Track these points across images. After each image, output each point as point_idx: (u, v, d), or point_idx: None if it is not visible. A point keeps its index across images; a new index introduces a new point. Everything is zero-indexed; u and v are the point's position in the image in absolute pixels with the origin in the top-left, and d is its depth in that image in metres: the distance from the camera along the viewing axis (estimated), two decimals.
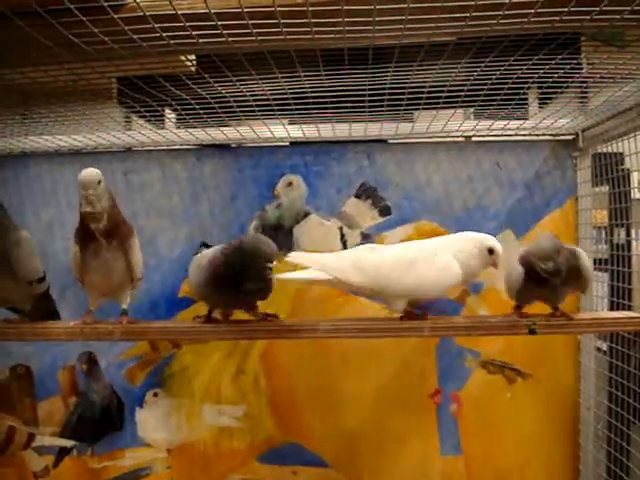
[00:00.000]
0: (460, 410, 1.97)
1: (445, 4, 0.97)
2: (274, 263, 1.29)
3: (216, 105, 1.58)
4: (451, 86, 1.47)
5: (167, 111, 1.75)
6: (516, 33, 1.12)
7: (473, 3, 0.96)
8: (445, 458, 1.97)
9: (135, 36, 1.06)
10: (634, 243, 1.78)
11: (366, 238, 1.97)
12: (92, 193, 1.30)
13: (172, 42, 1.09)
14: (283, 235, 1.98)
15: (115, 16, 1.01)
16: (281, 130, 1.90)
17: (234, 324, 1.43)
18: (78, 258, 1.37)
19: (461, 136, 1.95)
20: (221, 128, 1.84)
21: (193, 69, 1.40)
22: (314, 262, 1.40)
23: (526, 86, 1.49)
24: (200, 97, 1.52)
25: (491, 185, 1.96)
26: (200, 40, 1.08)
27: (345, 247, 1.97)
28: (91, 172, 1.31)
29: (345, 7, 0.97)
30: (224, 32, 1.05)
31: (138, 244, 1.43)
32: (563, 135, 1.93)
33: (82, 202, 1.31)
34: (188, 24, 1.02)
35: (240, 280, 1.29)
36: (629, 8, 0.98)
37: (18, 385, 2.02)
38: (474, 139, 1.97)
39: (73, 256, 1.38)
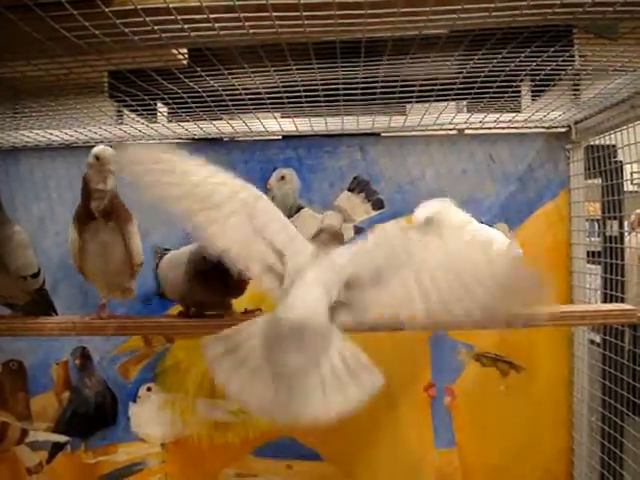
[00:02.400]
0: (454, 403, 1.97)
1: None
2: None
3: (208, 99, 1.57)
4: (443, 79, 1.46)
5: (159, 105, 1.75)
6: (508, 25, 1.11)
7: None
8: (439, 451, 1.98)
9: (126, 29, 1.06)
10: (626, 235, 1.79)
11: (359, 232, 1.97)
12: (112, 169, 1.32)
13: (164, 35, 1.09)
14: None
15: (106, 9, 1.00)
16: (273, 124, 1.89)
17: (229, 319, 1.43)
18: (76, 243, 1.36)
19: (454, 129, 1.95)
20: (213, 122, 1.84)
21: (185, 62, 1.39)
22: None
23: (519, 78, 1.49)
24: (192, 91, 1.51)
25: (484, 178, 1.96)
26: (192, 33, 1.08)
27: None
28: (107, 147, 1.34)
29: (336, 0, 0.96)
30: (216, 25, 1.05)
31: (137, 232, 1.43)
32: (556, 127, 1.93)
33: (95, 178, 1.33)
34: (179, 17, 1.02)
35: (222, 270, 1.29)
36: (622, 0, 0.98)
37: (11, 380, 2.02)
38: (467, 132, 1.97)
39: (71, 243, 1.37)
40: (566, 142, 1.92)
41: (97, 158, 1.32)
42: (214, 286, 1.35)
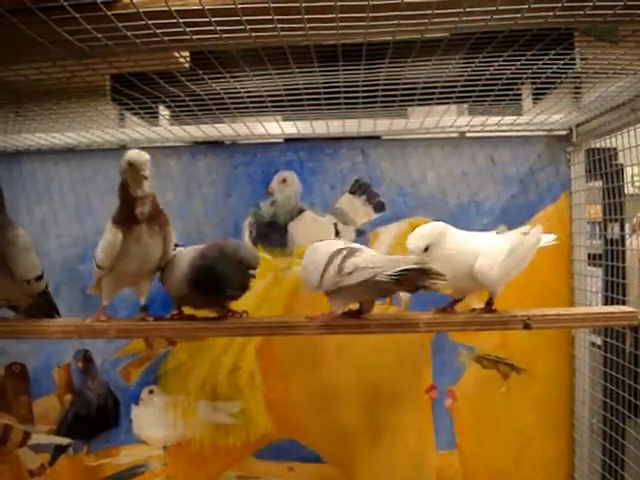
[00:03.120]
0: (455, 405, 1.97)
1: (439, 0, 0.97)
2: (256, 271, 1.31)
3: (210, 102, 1.58)
4: (445, 82, 1.47)
5: (161, 108, 1.75)
6: (510, 29, 1.12)
7: None
8: (440, 453, 1.98)
9: (128, 33, 1.06)
10: (627, 238, 1.79)
11: (361, 234, 1.97)
12: (148, 174, 1.30)
13: (165, 39, 1.09)
14: (277, 232, 1.98)
15: (108, 13, 1.00)
16: (275, 127, 1.90)
17: (230, 321, 1.43)
18: (118, 244, 1.34)
19: (455, 132, 1.95)
20: (215, 125, 1.84)
21: (187, 66, 1.39)
22: None
23: (520, 82, 1.49)
24: (194, 94, 1.51)
25: (485, 181, 1.96)
26: (194, 37, 1.08)
27: None
28: (140, 152, 1.31)
29: (338, 3, 0.97)
30: (218, 29, 1.05)
31: (173, 233, 1.44)
32: (557, 130, 1.93)
33: (132, 184, 1.32)
34: (181, 20, 1.02)
35: (220, 286, 1.32)
36: (622, 3, 0.98)
37: (13, 383, 2.02)
38: (468, 135, 1.97)
39: (110, 242, 1.34)
40: (567, 145, 1.92)
41: (130, 164, 1.30)
42: (210, 295, 1.37)
